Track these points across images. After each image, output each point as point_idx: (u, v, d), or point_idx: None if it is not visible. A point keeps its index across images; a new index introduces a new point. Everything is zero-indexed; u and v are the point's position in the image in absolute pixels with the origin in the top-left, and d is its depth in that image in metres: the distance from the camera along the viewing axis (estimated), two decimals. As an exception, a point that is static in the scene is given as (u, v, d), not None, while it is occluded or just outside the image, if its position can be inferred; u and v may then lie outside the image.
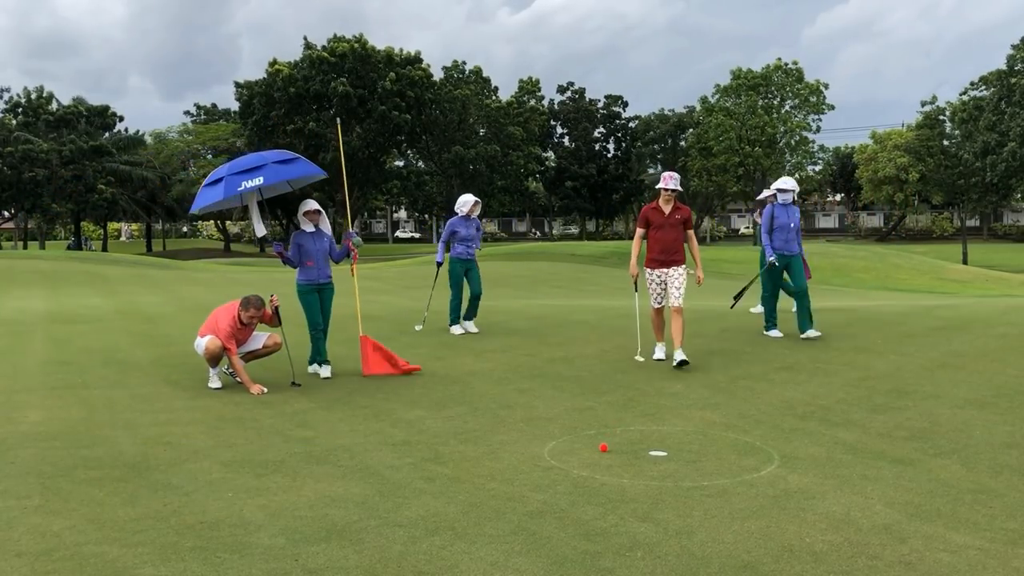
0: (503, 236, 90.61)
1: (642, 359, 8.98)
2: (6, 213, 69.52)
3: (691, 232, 9.11)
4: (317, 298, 8.86)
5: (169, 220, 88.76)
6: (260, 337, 8.55)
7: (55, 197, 62.83)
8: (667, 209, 8.90)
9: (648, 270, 8.99)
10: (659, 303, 9.04)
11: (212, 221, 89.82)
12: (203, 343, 8.18)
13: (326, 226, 9.02)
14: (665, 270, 8.89)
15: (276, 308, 8.41)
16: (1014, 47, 54.20)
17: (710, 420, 6.64)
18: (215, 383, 8.17)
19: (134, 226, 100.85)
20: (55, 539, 4.30)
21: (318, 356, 8.84)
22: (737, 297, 11.36)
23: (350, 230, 9.39)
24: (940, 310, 13.87)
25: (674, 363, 8.61)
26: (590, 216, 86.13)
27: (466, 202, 11.67)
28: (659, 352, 9.15)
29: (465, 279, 11.62)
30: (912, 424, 6.44)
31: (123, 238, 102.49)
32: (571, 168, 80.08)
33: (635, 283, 9.13)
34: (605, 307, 15.69)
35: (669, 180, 8.89)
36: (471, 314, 11.70)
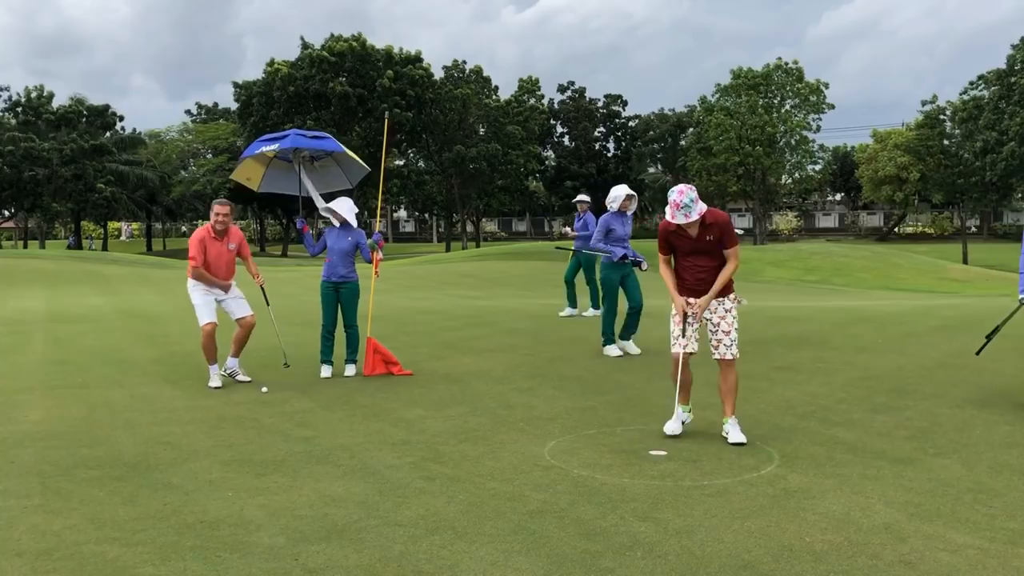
0: (503, 236, 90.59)
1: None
2: (6, 212, 69.50)
3: (733, 251, 6.06)
4: (333, 297, 8.78)
5: (169, 219, 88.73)
6: (243, 303, 8.42)
7: (55, 196, 62.84)
8: (693, 231, 5.97)
9: (674, 296, 6.21)
10: (687, 347, 6.19)
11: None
12: (189, 284, 8.29)
13: (353, 222, 8.93)
14: (694, 300, 6.13)
15: (262, 287, 8.68)
16: (1014, 47, 54.16)
17: (710, 420, 6.63)
18: (215, 382, 8.17)
19: (134, 225, 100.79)
20: (55, 539, 4.30)
21: (323, 355, 8.81)
22: (989, 337, 7.87)
23: (376, 231, 9.52)
24: (940, 310, 13.88)
25: (727, 438, 6.00)
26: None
27: (618, 196, 9.81)
28: (674, 422, 6.21)
29: (621, 288, 9.87)
30: (912, 424, 6.43)
31: (123, 237, 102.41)
32: (571, 167, 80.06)
33: (683, 325, 6.18)
34: (605, 307, 15.70)
35: (676, 211, 5.85)
36: (631, 331, 9.86)
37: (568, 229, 13.18)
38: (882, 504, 4.67)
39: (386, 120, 11.46)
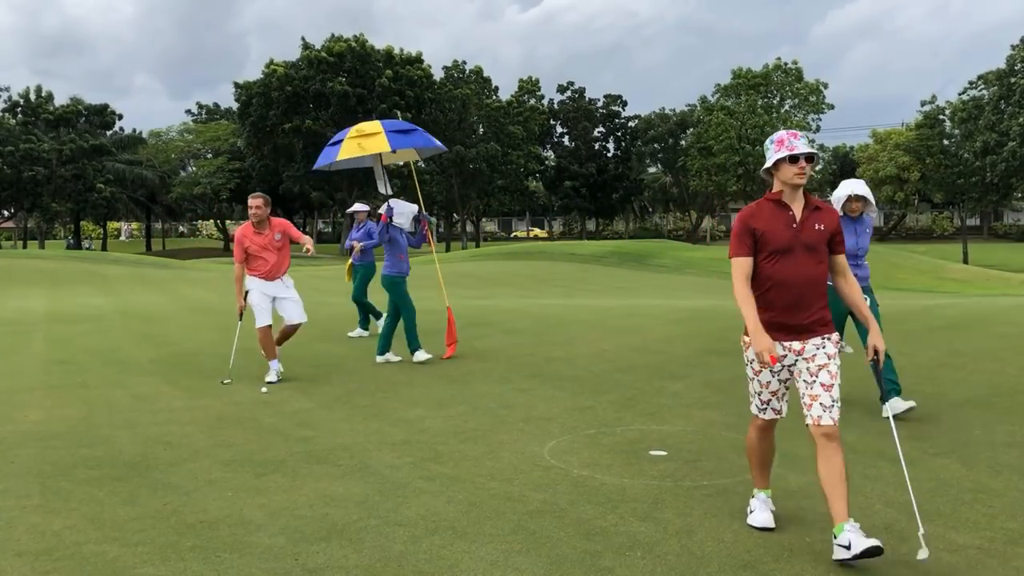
0: (503, 236, 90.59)
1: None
2: (6, 212, 69.50)
3: (842, 258, 4.28)
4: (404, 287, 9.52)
5: (169, 219, 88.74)
6: (296, 308, 8.48)
7: (55, 196, 62.84)
8: (797, 211, 4.16)
9: (757, 336, 4.12)
10: (775, 412, 4.50)
11: (212, 220, 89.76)
12: (246, 283, 8.44)
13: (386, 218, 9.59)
14: (796, 344, 4.21)
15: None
16: (1014, 47, 54.20)
17: (710, 420, 6.64)
18: (271, 377, 8.30)
19: (134, 225, 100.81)
20: (55, 538, 4.30)
21: (416, 342, 9.43)
22: None
23: (423, 212, 9.93)
24: (940, 309, 13.88)
25: (837, 555, 3.87)
26: (590, 215, 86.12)
27: (840, 197, 7.10)
28: (761, 511, 4.43)
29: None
30: (912, 424, 6.43)
31: (123, 237, 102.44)
32: (571, 168, 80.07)
33: (756, 375, 4.47)
34: (605, 307, 15.69)
35: (795, 139, 4.11)
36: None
37: (356, 244, 11.75)
38: (882, 504, 4.67)
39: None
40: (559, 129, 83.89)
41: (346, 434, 6.35)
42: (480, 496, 4.88)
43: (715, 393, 7.61)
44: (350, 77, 59.94)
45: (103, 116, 69.32)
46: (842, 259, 4.27)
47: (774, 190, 4.21)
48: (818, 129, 68.61)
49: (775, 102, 67.99)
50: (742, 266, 4.19)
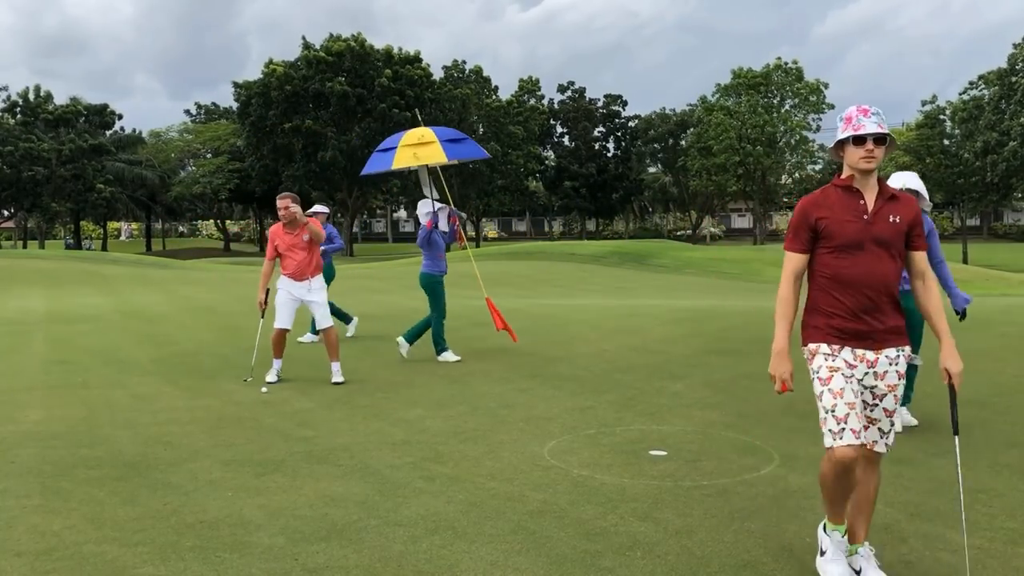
0: (503, 235, 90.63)
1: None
2: (6, 212, 69.52)
3: (922, 256, 3.70)
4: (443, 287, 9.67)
5: (169, 219, 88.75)
6: (324, 314, 8.46)
7: (55, 196, 62.86)
8: (870, 199, 3.61)
9: (824, 350, 3.68)
10: (853, 435, 3.51)
11: (212, 220, 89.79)
12: (278, 282, 8.51)
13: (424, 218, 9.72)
14: (869, 354, 3.63)
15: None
16: (1016, 45, 54.19)
17: (710, 420, 6.63)
18: (270, 376, 8.34)
19: (134, 225, 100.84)
20: (55, 538, 4.30)
21: (444, 343, 9.59)
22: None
23: (451, 208, 10.06)
24: (940, 310, 13.87)
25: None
26: (590, 216, 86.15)
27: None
28: (835, 562, 3.70)
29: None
30: (912, 424, 6.43)
31: (123, 237, 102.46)
32: (571, 168, 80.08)
33: (826, 384, 3.66)
34: (605, 307, 15.70)
35: (865, 117, 3.56)
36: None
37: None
38: (882, 504, 4.67)
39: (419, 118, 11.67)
40: (559, 129, 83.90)
41: (346, 434, 6.35)
42: (480, 496, 4.88)
43: (715, 393, 7.61)
44: (349, 77, 59.95)
45: (103, 116, 69.33)
46: (921, 257, 3.65)
47: (843, 175, 3.65)
48: (818, 129, 68.62)
49: (775, 102, 68.00)
50: (792, 263, 3.68)
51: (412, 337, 9.67)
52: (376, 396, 7.70)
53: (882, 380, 3.62)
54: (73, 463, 5.62)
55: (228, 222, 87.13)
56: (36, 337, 11.80)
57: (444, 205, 9.81)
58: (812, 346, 3.69)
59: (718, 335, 10.99)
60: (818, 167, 75.25)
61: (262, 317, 8.71)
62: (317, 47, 61.59)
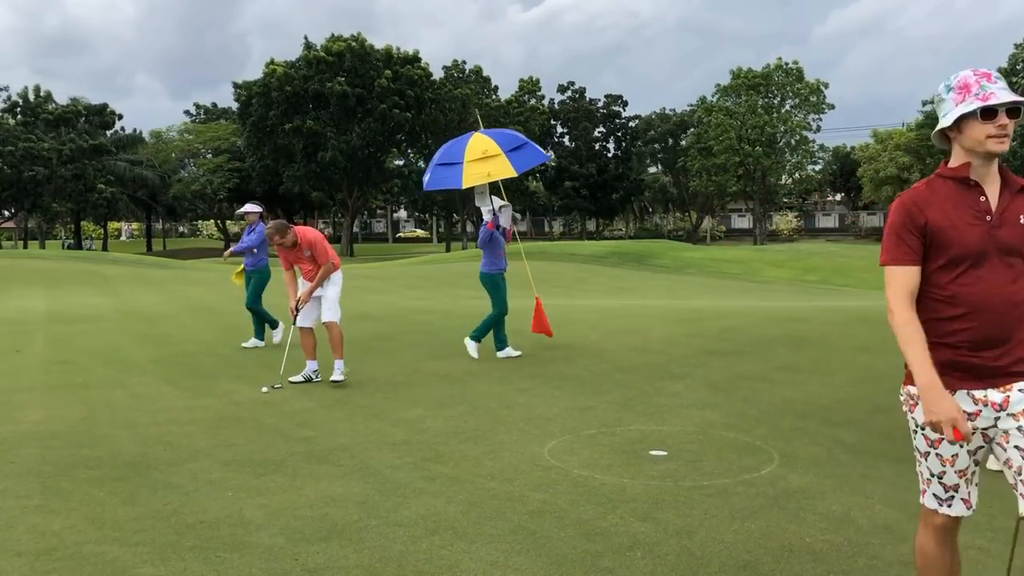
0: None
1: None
2: (6, 212, 69.52)
3: None
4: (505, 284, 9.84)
5: (169, 219, 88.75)
6: (320, 307, 8.47)
7: (55, 196, 62.88)
8: (992, 195, 2.76)
9: (933, 396, 2.66)
10: (965, 505, 2.87)
11: (212, 220, 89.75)
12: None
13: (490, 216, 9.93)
14: (994, 395, 2.74)
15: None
16: (1017, 46, 54.20)
17: (710, 420, 6.63)
18: (296, 377, 8.37)
19: (134, 225, 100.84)
20: (55, 538, 4.30)
21: (503, 339, 9.73)
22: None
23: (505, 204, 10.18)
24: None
25: None
26: (590, 216, 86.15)
27: None
28: None
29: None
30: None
31: (123, 237, 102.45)
32: (571, 168, 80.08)
33: (934, 447, 2.85)
34: (605, 307, 15.70)
35: (989, 82, 2.76)
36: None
37: (228, 252, 10.91)
38: (882, 504, 4.67)
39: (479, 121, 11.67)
40: (559, 129, 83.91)
41: (346, 434, 6.35)
42: (480, 496, 4.88)
43: (715, 393, 7.61)
44: (349, 77, 59.93)
45: (103, 116, 69.34)
46: None
47: (952, 162, 2.80)
48: (818, 129, 68.65)
49: (775, 102, 68.00)
50: (903, 279, 2.76)
51: (479, 335, 9.76)
52: (376, 396, 7.70)
53: (1019, 419, 2.69)
54: (73, 463, 5.62)
55: (228, 222, 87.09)
56: (36, 337, 11.80)
57: (507, 204, 9.99)
58: (914, 390, 2.82)
59: (718, 335, 10.99)
60: (818, 167, 75.28)
61: (294, 324, 8.61)
62: (317, 47, 61.57)
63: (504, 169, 9.43)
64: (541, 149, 10.27)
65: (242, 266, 11.14)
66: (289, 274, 8.60)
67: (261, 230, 10.80)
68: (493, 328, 9.79)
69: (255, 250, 10.95)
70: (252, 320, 11.02)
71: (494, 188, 10.16)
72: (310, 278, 8.47)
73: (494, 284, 9.81)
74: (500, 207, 9.91)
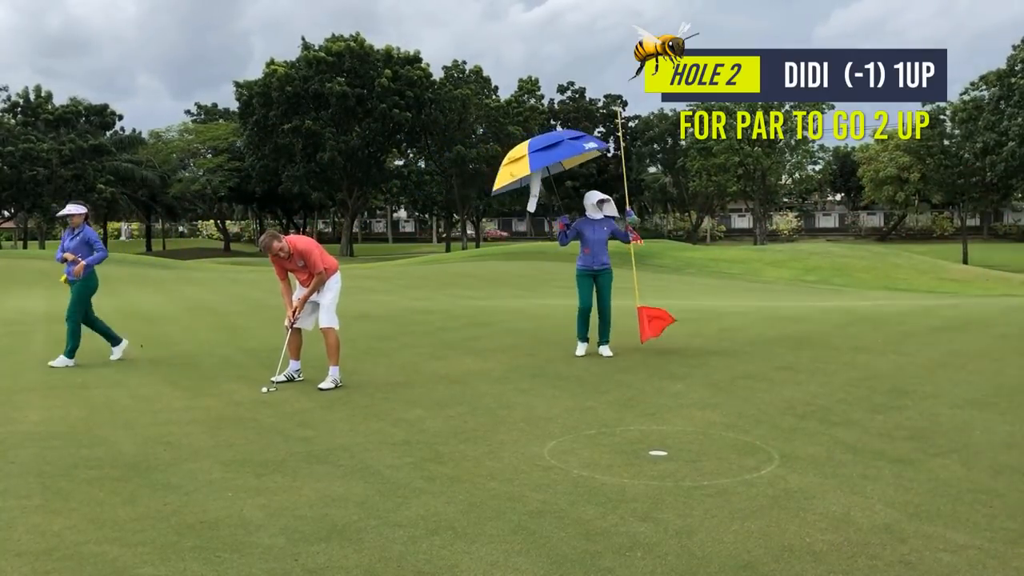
0: (503, 235, 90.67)
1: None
2: (6, 212, 69.52)
3: None
4: (592, 282, 9.71)
5: (169, 220, 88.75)
6: (313, 314, 8.45)
7: (55, 196, 62.88)
8: None
9: None
10: None
11: (212, 220, 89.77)
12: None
13: (612, 212, 9.92)
14: None
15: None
16: (1015, 47, 54.16)
17: (710, 420, 6.63)
18: (277, 377, 8.32)
19: (134, 225, 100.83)
20: (55, 539, 4.30)
21: (581, 333, 9.70)
22: None
23: (629, 209, 10.28)
24: (940, 310, 13.88)
25: None
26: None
27: None
28: None
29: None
30: (912, 424, 6.43)
31: (123, 237, 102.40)
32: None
33: None
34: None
35: None
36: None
37: (69, 256, 9.54)
38: (882, 504, 4.67)
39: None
40: (559, 129, 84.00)
41: (346, 434, 6.35)
42: (480, 496, 4.88)
43: (715, 393, 7.61)
44: (349, 77, 59.93)
45: (103, 116, 69.35)
46: None
47: None
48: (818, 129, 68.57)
49: (775, 102, 67.95)
50: None
51: (578, 334, 9.82)
52: (376, 396, 7.70)
53: None
54: (73, 463, 5.62)
55: (228, 222, 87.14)
56: (36, 337, 11.80)
57: (535, 196, 9.91)
58: None
59: (718, 335, 10.99)
60: (818, 168, 75.23)
61: (288, 331, 8.53)
62: (317, 47, 61.55)
63: (522, 168, 9.56)
64: (584, 145, 9.90)
65: (64, 276, 9.77)
66: (284, 284, 8.48)
67: (89, 235, 9.68)
68: (577, 322, 9.86)
69: (78, 256, 9.56)
70: (67, 334, 9.58)
71: (547, 184, 10.39)
72: (307, 286, 8.46)
73: (578, 280, 9.85)
74: (533, 200, 9.96)
